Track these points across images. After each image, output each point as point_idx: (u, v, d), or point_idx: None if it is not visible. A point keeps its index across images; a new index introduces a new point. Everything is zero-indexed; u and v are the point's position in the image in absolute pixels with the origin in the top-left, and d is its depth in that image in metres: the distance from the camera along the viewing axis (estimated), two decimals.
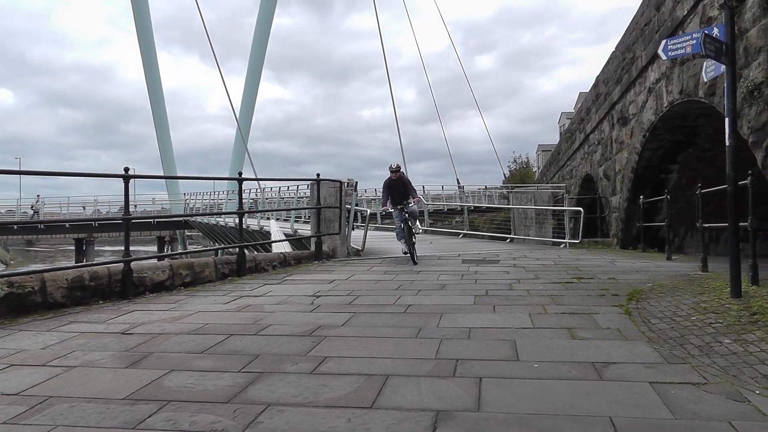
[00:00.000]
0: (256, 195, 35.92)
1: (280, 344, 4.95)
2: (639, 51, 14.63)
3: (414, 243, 11.63)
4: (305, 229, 19.12)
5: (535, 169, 66.68)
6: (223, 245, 27.94)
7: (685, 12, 10.94)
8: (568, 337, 5.04)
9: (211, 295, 7.67)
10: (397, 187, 11.64)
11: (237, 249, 10.02)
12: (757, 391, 3.58)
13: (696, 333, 4.99)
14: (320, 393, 3.68)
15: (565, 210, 18.42)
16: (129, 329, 5.63)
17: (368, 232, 15.19)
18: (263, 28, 47.79)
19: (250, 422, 3.22)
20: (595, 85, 20.35)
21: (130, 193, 7.93)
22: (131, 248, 7.82)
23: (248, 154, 41.79)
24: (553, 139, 63.49)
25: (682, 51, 6.60)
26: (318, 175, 12.20)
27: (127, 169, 7.77)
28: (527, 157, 70.20)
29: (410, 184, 11.99)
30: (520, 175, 60.20)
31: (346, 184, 13.39)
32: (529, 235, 18.86)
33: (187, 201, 48.34)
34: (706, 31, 6.30)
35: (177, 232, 51.71)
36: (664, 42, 6.77)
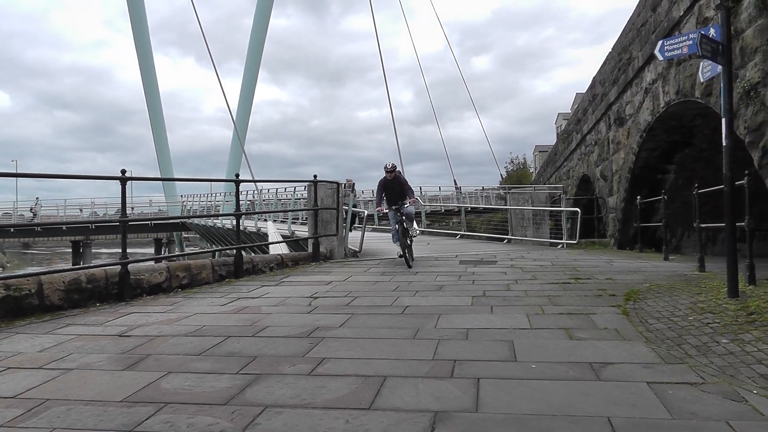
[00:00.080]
0: (254, 196, 35.88)
1: (278, 346, 4.95)
2: (635, 52, 14.66)
3: (410, 245, 11.26)
4: (302, 231, 19.12)
5: (532, 170, 66.74)
6: (220, 247, 27.88)
7: (682, 12, 10.96)
8: (565, 338, 5.04)
9: (208, 297, 7.66)
10: (393, 188, 11.25)
11: (234, 251, 10.01)
12: (755, 391, 3.59)
13: (693, 333, 5.00)
14: (318, 394, 3.68)
15: (562, 210, 18.43)
16: (126, 331, 5.62)
17: (365, 233, 15.18)
18: (260, 30, 47.76)
19: (248, 424, 3.22)
20: (592, 86, 20.37)
21: (127, 196, 7.92)
22: (128, 250, 7.82)
23: (245, 155, 41.68)
24: (550, 140, 63.49)
25: (679, 51, 6.61)
26: (315, 176, 12.19)
27: (124, 172, 7.76)
28: (524, 158, 70.42)
29: (406, 184, 11.60)
30: (517, 176, 60.28)
31: (343, 185, 13.40)
32: (526, 236, 18.88)
33: (184, 203, 48.21)
34: (702, 32, 6.31)
35: (174, 234, 51.57)
36: (660, 42, 6.79)
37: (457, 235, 22.25)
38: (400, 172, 11.60)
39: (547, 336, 5.12)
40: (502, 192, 41.33)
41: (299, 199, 27.43)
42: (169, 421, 3.27)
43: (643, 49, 13.90)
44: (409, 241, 11.11)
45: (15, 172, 27.82)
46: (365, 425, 3.18)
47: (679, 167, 14.98)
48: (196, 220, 38.76)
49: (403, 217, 10.99)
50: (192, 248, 52.36)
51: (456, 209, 32.57)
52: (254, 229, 25.54)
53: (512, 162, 67.79)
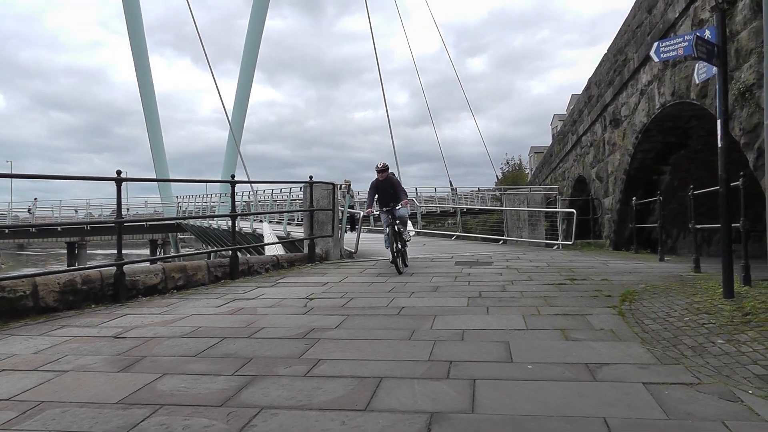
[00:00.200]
0: (249, 198, 35.87)
1: (274, 347, 4.94)
2: (631, 53, 14.70)
3: (403, 250, 10.48)
4: (298, 232, 19.12)
5: (527, 171, 66.85)
6: (215, 248, 27.86)
7: (677, 14, 10.99)
8: (561, 339, 5.04)
9: (203, 299, 7.64)
10: (386, 189, 10.56)
11: (230, 252, 10.00)
12: (750, 391, 3.59)
13: (689, 333, 5.01)
14: (314, 396, 3.67)
15: (558, 211, 18.45)
16: (122, 333, 5.60)
17: (361, 234, 15.18)
18: (255, 31, 47.75)
19: (243, 425, 3.21)
20: (588, 87, 20.42)
21: (122, 197, 7.90)
22: (124, 251, 7.79)
23: (241, 156, 41.74)
24: (546, 141, 63.67)
25: (674, 53, 6.63)
26: (311, 177, 12.20)
27: (119, 172, 7.74)
28: (520, 159, 70.43)
29: (399, 185, 10.80)
30: (512, 177, 60.34)
31: (340, 186, 13.38)
32: (522, 237, 18.89)
33: (180, 204, 48.19)
34: (697, 34, 6.33)
35: (170, 235, 51.55)
36: (656, 44, 6.81)
37: (453, 236, 22.27)
38: (393, 173, 10.96)
39: (543, 337, 5.12)
40: (497, 193, 41.37)
41: (295, 200, 27.44)
42: (164, 423, 3.26)
43: (638, 51, 13.94)
44: (400, 245, 10.29)
45: (10, 172, 27.73)
46: (361, 426, 3.17)
47: (674, 168, 15.02)
48: (191, 221, 38.73)
49: (396, 220, 10.25)
50: (187, 249, 52.36)
51: (452, 210, 32.61)
52: (250, 230, 25.55)
53: (508, 163, 67.87)
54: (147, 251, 51.18)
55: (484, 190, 47.59)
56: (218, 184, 37.15)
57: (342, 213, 13.72)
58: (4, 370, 4.41)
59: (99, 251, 57.16)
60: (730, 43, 8.19)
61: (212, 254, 19.69)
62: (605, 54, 17.82)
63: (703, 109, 10.44)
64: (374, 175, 10.62)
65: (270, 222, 25.85)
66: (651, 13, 12.92)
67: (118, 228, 7.94)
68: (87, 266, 8.65)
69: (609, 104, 16.95)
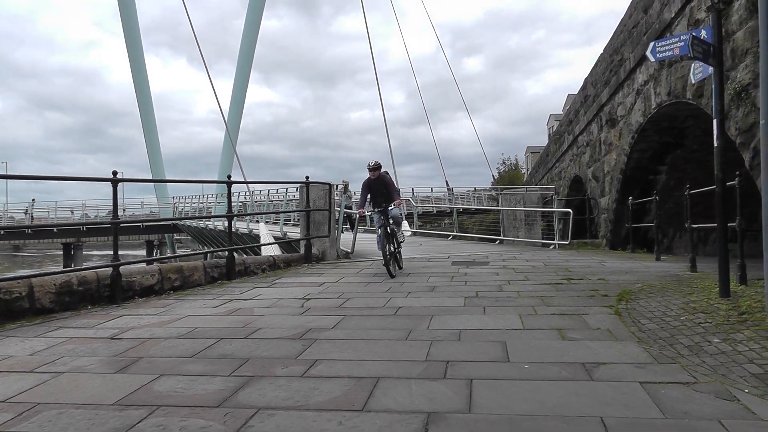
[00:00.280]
0: (245, 198, 35.83)
1: (270, 347, 4.94)
2: (627, 53, 14.72)
3: (396, 252, 10.06)
4: (295, 232, 19.10)
5: (524, 171, 67.00)
6: (212, 249, 27.86)
7: (673, 14, 11.01)
8: (558, 338, 5.05)
9: (200, 299, 7.63)
10: (378, 188, 10.10)
11: (226, 252, 9.99)
12: (746, 390, 3.60)
13: (685, 333, 5.02)
14: (311, 396, 3.67)
15: (554, 211, 18.48)
16: (118, 334, 5.59)
17: (358, 234, 15.17)
18: (251, 31, 47.68)
19: (240, 426, 3.21)
20: (584, 87, 20.44)
21: (118, 197, 7.89)
22: (120, 252, 7.78)
23: (237, 157, 41.63)
24: (542, 141, 63.65)
25: (670, 53, 6.65)
26: (307, 177, 12.18)
27: (115, 173, 7.73)
28: (516, 159, 70.65)
29: (393, 184, 10.37)
30: (509, 177, 60.49)
31: (337, 186, 13.37)
32: (518, 237, 18.91)
33: (176, 204, 48.14)
34: (694, 33, 6.34)
35: (166, 235, 51.43)
36: (652, 44, 6.82)
37: (449, 236, 22.28)
38: (386, 172, 10.49)
39: (539, 336, 5.13)
40: (494, 193, 41.47)
41: (291, 200, 27.41)
42: (161, 424, 3.25)
43: (634, 51, 13.96)
44: (393, 248, 9.81)
45: (5, 173, 27.66)
46: (358, 427, 3.17)
47: (670, 168, 15.05)
48: (187, 222, 38.71)
49: (389, 221, 9.81)
50: (184, 250, 52.25)
51: (448, 210, 32.65)
52: (246, 231, 25.50)
53: (504, 163, 68.08)
54: (143, 252, 51.11)
55: (480, 190, 47.69)
56: (214, 184, 37.11)
57: (338, 213, 13.71)
58: (0, 371, 4.40)
59: (95, 252, 57.00)
60: (726, 43, 8.21)
61: (209, 255, 19.66)
62: (601, 54, 17.85)
63: (699, 109, 10.46)
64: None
65: (266, 222, 25.82)
66: (647, 13, 12.94)
67: (115, 229, 7.92)
68: (83, 267, 8.63)
69: (605, 104, 16.98)
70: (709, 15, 6.57)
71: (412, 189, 40.18)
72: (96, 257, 53.03)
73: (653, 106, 12.72)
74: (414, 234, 24.67)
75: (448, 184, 48.67)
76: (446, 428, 3.13)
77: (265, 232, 22.32)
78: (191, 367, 4.39)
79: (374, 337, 5.27)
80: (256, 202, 34.57)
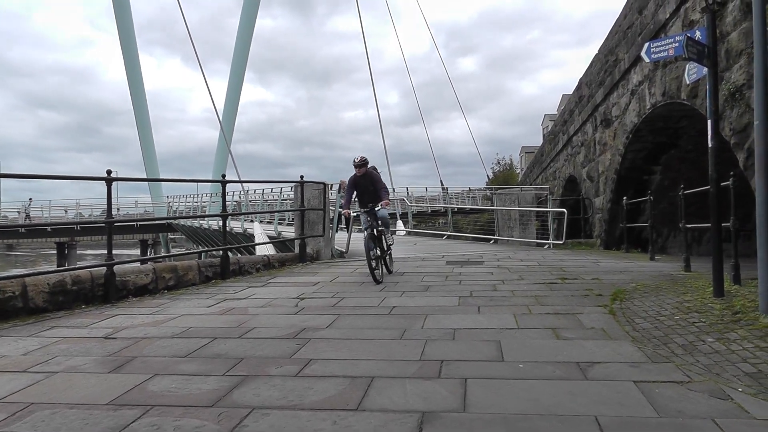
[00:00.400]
0: (240, 197, 35.77)
1: (265, 347, 4.93)
2: (622, 54, 14.75)
3: (385, 257, 9.51)
4: (289, 232, 19.08)
5: (518, 171, 67.06)
6: (206, 248, 27.76)
7: (668, 15, 11.04)
8: (552, 338, 5.05)
9: (194, 299, 7.61)
10: (365, 186, 9.38)
11: (221, 252, 9.97)
12: (740, 389, 3.61)
13: (679, 332, 5.03)
14: (305, 396, 3.66)
15: (549, 211, 18.50)
16: (112, 333, 5.57)
17: (352, 234, 15.16)
18: (246, 30, 47.60)
19: (234, 426, 3.20)
20: (578, 88, 20.48)
21: (112, 196, 7.86)
22: (114, 252, 7.75)
23: (231, 156, 41.66)
24: (537, 141, 63.75)
25: (665, 54, 6.67)
26: (302, 177, 12.17)
27: (109, 172, 7.70)
28: (510, 159, 70.73)
29: (380, 181, 9.55)
30: (503, 177, 60.52)
31: (332, 185, 13.35)
32: (513, 237, 18.92)
33: (170, 204, 48.00)
34: (688, 34, 6.36)
35: (160, 235, 51.31)
36: (647, 45, 6.84)
37: (444, 235, 22.29)
38: (374, 168, 9.84)
39: (534, 336, 5.13)
40: (488, 192, 41.47)
41: (286, 199, 27.40)
42: (155, 424, 3.24)
43: (629, 51, 13.99)
44: (379, 251, 9.17)
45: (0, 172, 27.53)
46: (353, 426, 3.17)
47: (665, 168, 15.09)
48: (182, 221, 38.60)
49: (378, 222, 9.19)
50: (178, 249, 52.15)
51: (443, 210, 32.70)
52: (241, 230, 25.49)
53: (499, 163, 68.12)
54: (137, 251, 50.93)
55: (475, 190, 47.68)
56: (209, 183, 37.04)
57: (333, 213, 13.70)
58: None
59: (89, 251, 56.84)
60: (720, 44, 8.23)
61: (203, 254, 19.61)
62: (596, 54, 17.88)
63: (693, 110, 10.49)
64: None
65: (261, 222, 25.80)
66: (642, 14, 12.97)
67: (109, 228, 7.90)
68: (77, 266, 8.60)
69: (600, 104, 17.01)
70: (704, 16, 6.59)
71: (407, 188, 40.17)
72: (90, 256, 52.90)
73: (648, 107, 12.75)
74: (408, 233, 24.75)
75: (442, 184, 48.72)
76: (441, 427, 3.13)
77: (259, 231, 22.31)
78: (185, 366, 4.38)
79: (369, 336, 5.27)
80: (250, 201, 34.54)
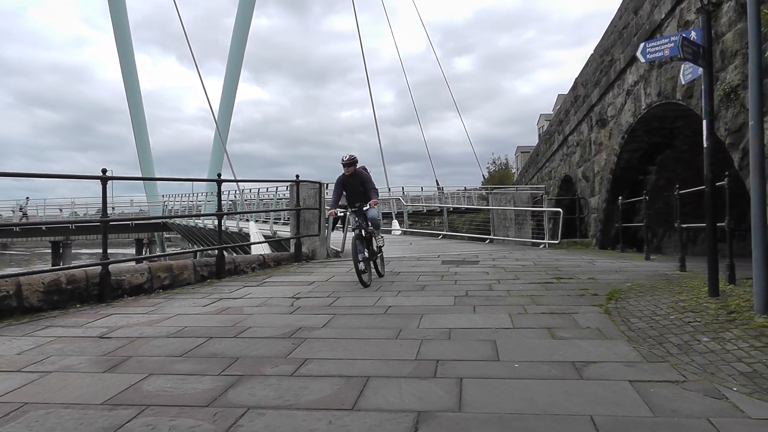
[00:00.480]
0: (235, 196, 35.72)
1: (260, 347, 4.92)
2: (617, 54, 14.77)
3: (374, 259, 9.12)
4: (284, 231, 19.06)
5: (514, 171, 67.09)
6: (202, 247, 27.70)
7: (663, 15, 11.05)
8: (548, 337, 5.06)
9: (190, 298, 7.60)
10: (354, 186, 8.98)
11: (216, 251, 9.95)
12: (735, 388, 3.62)
13: (675, 332, 5.04)
14: (301, 395, 3.66)
15: (545, 211, 18.52)
16: (107, 333, 5.56)
17: (348, 233, 15.15)
18: (241, 29, 47.53)
19: (230, 426, 3.19)
20: (574, 88, 20.50)
21: (108, 195, 7.84)
22: (109, 251, 7.73)
23: (227, 155, 41.50)
24: (532, 140, 63.79)
25: (661, 54, 6.67)
26: (297, 176, 12.15)
27: (104, 171, 7.68)
28: (506, 159, 70.71)
29: (370, 181, 9.10)
30: (499, 177, 60.55)
31: (328, 185, 13.33)
32: (508, 236, 18.93)
33: (166, 203, 47.87)
34: (683, 35, 6.37)
35: (155, 234, 51.22)
36: (642, 45, 6.84)
37: (440, 235, 22.29)
38: (364, 168, 9.41)
39: (529, 335, 5.14)
40: (484, 192, 41.55)
41: (281, 199, 27.37)
42: (150, 424, 3.23)
43: (624, 52, 14.01)
44: (368, 254, 8.73)
45: None
46: (348, 426, 3.16)
47: (660, 168, 15.11)
48: (177, 220, 38.52)
49: (367, 223, 8.80)
50: (173, 248, 52.02)
51: (438, 209, 32.67)
52: (236, 230, 25.43)
53: (494, 163, 68.13)
54: (133, 251, 50.87)
55: (470, 190, 47.74)
56: (204, 182, 36.99)
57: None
58: None
59: (84, 251, 56.67)
60: (715, 45, 8.24)
61: (198, 253, 19.55)
62: (592, 54, 17.90)
63: (688, 110, 10.50)
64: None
65: (256, 221, 25.75)
66: (637, 14, 12.99)
67: (104, 227, 7.88)
68: (72, 266, 8.58)
69: (595, 104, 17.03)
70: (699, 16, 6.60)
71: (403, 188, 40.18)
72: (85, 256, 52.76)
73: (643, 107, 12.77)
74: (404, 233, 24.74)
75: (438, 184, 48.74)
76: (436, 427, 3.13)
77: (255, 230, 22.28)
78: (180, 366, 4.37)
79: (364, 336, 5.27)
80: (246, 200, 34.49)
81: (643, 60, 6.98)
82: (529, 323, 5.63)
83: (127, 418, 3.31)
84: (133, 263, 8.71)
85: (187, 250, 33.31)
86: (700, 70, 6.48)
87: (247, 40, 48.37)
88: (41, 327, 5.89)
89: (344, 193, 9.15)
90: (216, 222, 10.69)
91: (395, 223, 27.11)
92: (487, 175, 61.97)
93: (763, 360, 4.10)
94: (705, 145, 6.36)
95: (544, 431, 3.07)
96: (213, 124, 42.30)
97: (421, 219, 34.33)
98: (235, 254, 15.94)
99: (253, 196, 34.49)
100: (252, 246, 17.83)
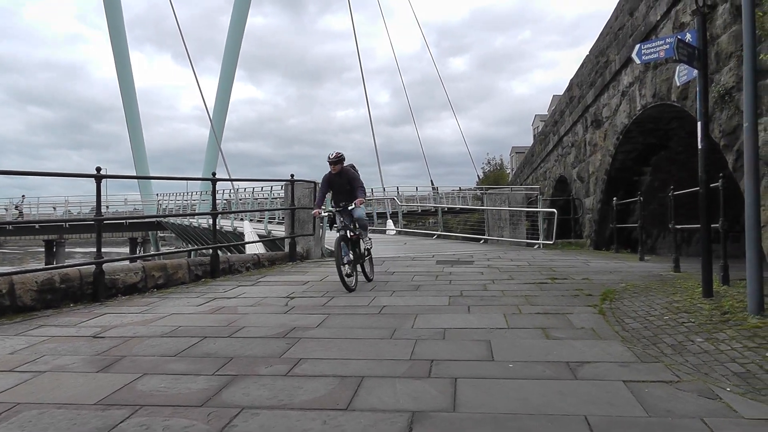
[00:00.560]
0: (230, 196, 35.66)
1: (255, 346, 4.91)
2: (613, 55, 14.80)
3: (361, 262, 8.63)
4: (279, 230, 19.03)
5: (508, 171, 67.16)
6: (196, 246, 27.65)
7: (659, 17, 11.08)
8: (542, 337, 5.06)
9: (184, 297, 7.58)
10: (341, 184, 8.49)
11: (210, 250, 9.93)
12: (728, 389, 3.63)
13: (669, 332, 5.05)
14: (295, 395, 3.65)
15: (539, 211, 18.55)
16: (101, 332, 5.54)
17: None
18: (237, 28, 47.39)
19: (224, 426, 3.18)
20: (569, 88, 20.54)
21: (102, 194, 7.82)
22: (103, 250, 7.70)
23: (222, 154, 41.42)
24: (527, 141, 63.93)
25: (656, 55, 6.69)
26: (292, 175, 12.15)
27: (99, 169, 7.65)
28: (501, 159, 70.80)
29: (358, 179, 8.59)
30: (494, 177, 60.61)
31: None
32: (503, 236, 18.95)
33: (160, 202, 47.74)
34: (679, 36, 6.39)
35: (150, 233, 51.05)
36: (638, 46, 6.85)
37: (434, 235, 22.29)
38: (352, 166, 8.90)
39: (524, 336, 5.14)
40: (478, 192, 41.56)
41: (276, 198, 27.33)
42: (144, 424, 3.22)
43: (620, 53, 14.04)
44: (353, 256, 8.21)
45: None
46: (342, 426, 3.16)
47: (655, 169, 15.16)
48: (172, 219, 38.41)
49: (354, 224, 8.37)
50: (168, 248, 51.92)
51: (433, 209, 32.65)
52: (230, 229, 25.41)
53: (489, 163, 68.16)
54: (127, 249, 50.66)
55: (465, 190, 47.74)
56: (199, 181, 36.87)
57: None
58: None
59: (78, 249, 56.47)
60: (710, 47, 8.27)
61: (192, 253, 19.51)
62: (587, 55, 17.93)
63: (683, 111, 10.54)
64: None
65: (251, 221, 25.74)
66: (633, 16, 13.02)
67: (98, 226, 7.85)
68: (65, 265, 8.55)
69: (590, 105, 17.06)
70: (694, 18, 6.61)
71: (397, 188, 40.15)
72: (79, 254, 52.54)
73: (638, 108, 12.80)
74: (399, 233, 24.74)
75: (433, 184, 48.74)
76: (431, 427, 3.13)
77: (249, 230, 22.26)
78: (174, 366, 4.36)
79: (358, 335, 5.26)
80: (240, 200, 34.44)
81: (638, 61, 7.00)
82: (524, 323, 5.64)
83: (121, 419, 3.30)
84: (127, 262, 8.69)
85: (182, 249, 33.15)
86: (695, 71, 6.51)
87: (243, 39, 48.28)
88: (34, 326, 5.86)
89: (330, 191, 8.72)
90: (210, 221, 10.66)
91: (390, 223, 27.12)
92: (481, 175, 62.01)
93: (756, 360, 4.12)
94: (699, 147, 6.38)
95: (538, 431, 3.07)
96: (208, 122, 42.23)
97: (416, 219, 34.36)
98: (229, 253, 15.91)
99: (247, 196, 34.47)
100: (246, 245, 17.81)
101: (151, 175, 50.48)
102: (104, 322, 6.05)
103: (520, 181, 35.39)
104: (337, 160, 8.36)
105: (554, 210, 17.42)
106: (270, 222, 23.09)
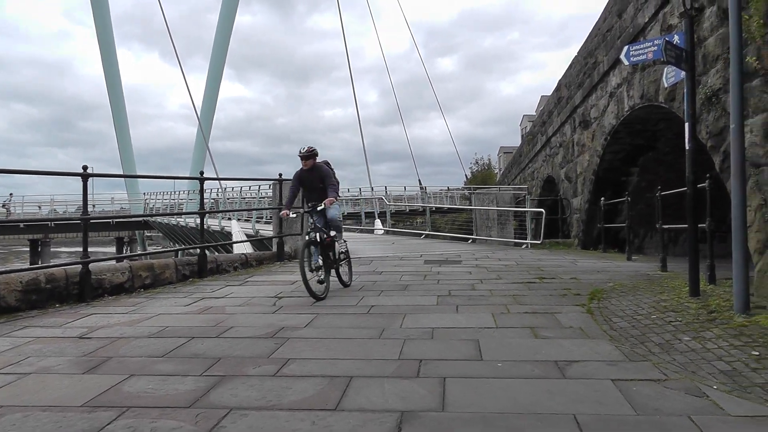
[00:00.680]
0: (218, 195, 35.53)
1: (243, 347, 4.88)
2: (601, 56, 14.86)
3: (335, 267, 7.97)
4: (267, 230, 18.99)
5: (496, 171, 67.30)
6: (183, 246, 27.51)
7: (647, 19, 11.13)
8: (531, 337, 5.08)
9: (171, 297, 7.54)
10: (312, 182, 7.85)
11: (198, 250, 9.88)
12: (715, 386, 3.66)
13: (656, 331, 5.08)
14: (283, 396, 3.63)
15: (527, 211, 18.61)
16: (87, 333, 5.49)
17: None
18: (225, 26, 47.16)
19: (212, 427, 3.16)
20: (558, 89, 20.60)
21: (88, 193, 7.75)
22: (89, 249, 7.64)
23: (209, 153, 41.24)
24: (515, 141, 64.06)
25: (644, 57, 6.72)
26: (280, 175, 12.09)
27: (85, 168, 7.59)
28: (489, 159, 70.90)
29: (331, 177, 7.89)
30: (482, 177, 60.73)
31: None
32: (491, 236, 19.01)
33: (147, 201, 47.52)
34: (667, 38, 6.43)
35: (136, 232, 50.79)
36: (626, 48, 6.88)
37: (422, 234, 22.30)
38: (326, 162, 8.25)
39: (512, 335, 5.15)
40: (467, 192, 41.61)
41: (264, 197, 27.26)
42: (131, 426, 3.19)
43: (608, 54, 14.10)
44: (321, 260, 7.49)
45: None
46: (331, 426, 3.15)
47: (642, 170, 15.23)
48: (159, 219, 38.24)
49: (327, 226, 7.76)
50: (155, 247, 51.61)
51: (421, 209, 32.67)
52: (218, 228, 25.32)
53: (477, 163, 68.26)
54: (113, 249, 50.40)
55: (453, 190, 47.82)
56: (186, 180, 36.68)
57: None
58: None
59: (63, 249, 56.04)
60: (697, 49, 8.31)
61: (180, 252, 19.41)
62: (575, 56, 18.00)
63: (671, 112, 10.59)
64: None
65: (239, 220, 25.65)
66: (621, 18, 13.08)
67: (84, 225, 7.79)
68: (51, 264, 8.47)
69: (578, 106, 17.12)
70: (682, 21, 6.64)
71: (386, 187, 40.22)
72: (64, 254, 52.13)
73: (626, 109, 12.86)
74: (387, 233, 24.74)
75: (421, 183, 48.84)
76: (420, 427, 3.12)
77: (237, 229, 22.19)
78: (162, 366, 4.33)
79: (347, 335, 5.25)
80: (228, 199, 34.32)
81: (626, 63, 7.03)
82: (512, 323, 5.65)
83: (108, 420, 3.27)
84: (113, 262, 8.63)
85: (169, 248, 33.00)
86: (683, 73, 6.54)
87: (231, 38, 48.07)
88: (19, 327, 5.80)
89: (301, 190, 8.11)
90: (198, 220, 10.62)
91: (378, 223, 27.11)
92: (469, 175, 62.10)
93: (742, 359, 4.14)
94: (687, 148, 6.42)
95: (527, 430, 3.07)
96: (195, 121, 42.01)
97: (404, 218, 34.38)
98: (217, 253, 15.85)
99: (235, 195, 34.35)
100: (234, 245, 17.74)
101: (138, 173, 50.35)
102: (91, 322, 6.00)
103: (508, 181, 35.50)
104: (309, 154, 7.76)
105: (542, 210, 17.48)
106: (258, 221, 23.04)
